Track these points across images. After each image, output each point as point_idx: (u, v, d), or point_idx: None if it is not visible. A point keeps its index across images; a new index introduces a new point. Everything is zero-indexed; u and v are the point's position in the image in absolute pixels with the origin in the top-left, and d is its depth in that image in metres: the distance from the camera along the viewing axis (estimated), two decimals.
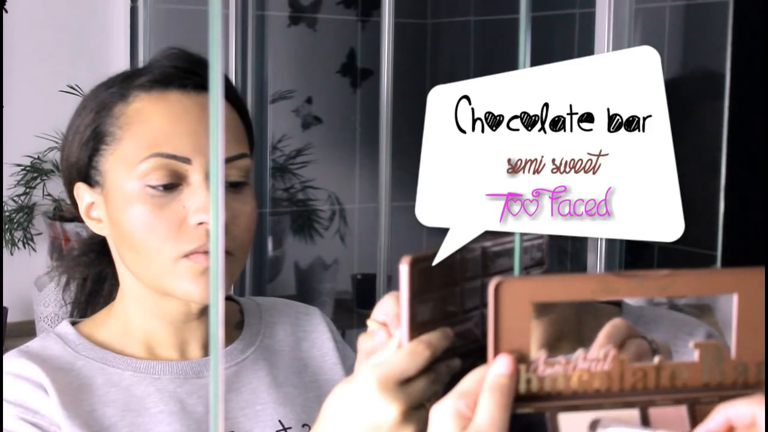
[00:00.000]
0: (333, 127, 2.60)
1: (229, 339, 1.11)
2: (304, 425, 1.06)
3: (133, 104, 1.02)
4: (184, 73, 1.02)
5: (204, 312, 1.06)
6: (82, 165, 1.04)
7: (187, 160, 0.99)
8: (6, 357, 1.04)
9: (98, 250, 1.13)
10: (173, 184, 0.99)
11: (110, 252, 1.08)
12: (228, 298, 1.18)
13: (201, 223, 0.98)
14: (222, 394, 0.40)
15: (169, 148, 0.99)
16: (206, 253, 0.98)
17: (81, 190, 1.05)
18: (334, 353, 1.15)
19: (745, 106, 1.31)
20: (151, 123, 1.00)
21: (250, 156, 1.05)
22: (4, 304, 1.99)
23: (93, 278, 1.13)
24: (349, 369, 1.15)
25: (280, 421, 1.05)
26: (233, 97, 1.08)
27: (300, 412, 1.07)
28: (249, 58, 2.39)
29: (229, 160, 1.02)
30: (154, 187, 0.99)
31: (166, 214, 0.98)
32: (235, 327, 1.13)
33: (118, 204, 1.01)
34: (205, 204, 0.98)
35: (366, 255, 2.56)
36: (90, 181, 1.04)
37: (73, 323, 1.09)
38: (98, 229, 1.05)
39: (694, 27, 1.87)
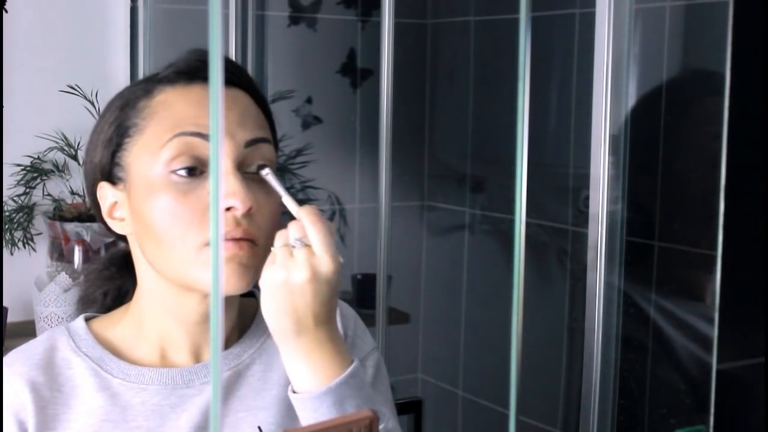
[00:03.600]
0: (333, 127, 2.60)
1: (240, 336, 1.11)
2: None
3: (157, 97, 1.02)
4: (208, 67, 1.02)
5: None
6: (105, 163, 1.04)
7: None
8: (4, 359, 1.04)
9: (119, 264, 1.13)
10: (197, 169, 0.98)
11: (131, 266, 1.08)
12: (251, 295, 1.16)
13: (228, 209, 0.97)
14: (220, 396, 0.40)
15: (192, 127, 0.99)
16: (234, 240, 0.97)
17: (104, 189, 1.05)
18: None
19: (745, 106, 1.31)
20: (175, 109, 1.00)
21: (274, 144, 1.05)
22: (4, 304, 1.99)
23: (113, 293, 1.14)
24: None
25: (259, 427, 1.05)
26: (252, 88, 1.07)
27: (284, 416, 1.06)
28: (249, 58, 2.39)
29: (251, 143, 1.01)
30: (177, 174, 0.98)
31: (190, 201, 0.98)
32: (247, 325, 1.13)
33: (141, 195, 1.00)
34: (233, 189, 0.97)
35: (366, 255, 2.56)
36: (113, 179, 1.04)
37: (88, 318, 1.10)
38: (120, 228, 1.05)
39: (694, 27, 1.87)
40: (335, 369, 0.96)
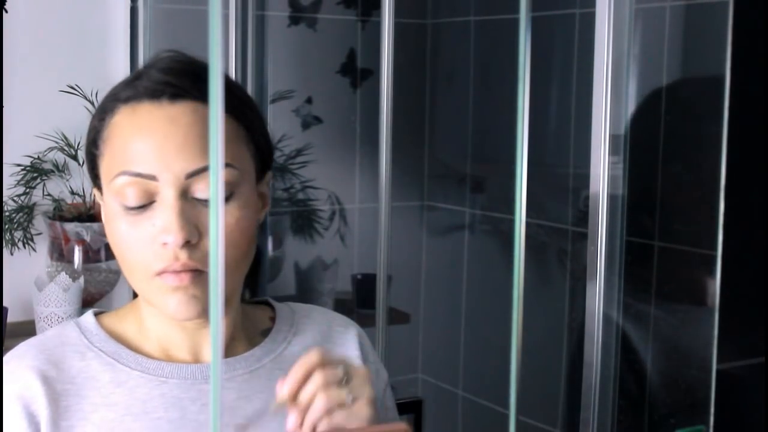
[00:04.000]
0: (333, 127, 2.60)
1: (251, 344, 1.11)
2: None
3: (115, 117, 1.03)
4: (156, 84, 1.01)
5: None
6: (90, 170, 1.07)
7: (152, 178, 0.98)
8: (12, 352, 1.05)
9: None
10: (145, 204, 0.99)
11: None
12: (265, 303, 1.18)
13: (166, 243, 0.98)
14: (220, 397, 0.40)
15: (135, 166, 0.99)
16: (175, 272, 0.98)
17: (97, 195, 1.07)
18: None
19: (745, 106, 1.31)
20: (122, 138, 1.01)
21: (234, 165, 1.01)
22: (4, 304, 1.99)
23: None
24: (376, 390, 1.15)
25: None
26: (228, 101, 1.04)
27: None
28: (249, 58, 2.39)
29: (194, 174, 0.99)
30: (126, 206, 0.99)
31: (139, 232, 0.99)
32: (261, 333, 1.13)
33: (106, 216, 1.03)
34: (169, 223, 0.97)
35: (366, 255, 2.56)
36: (98, 187, 1.06)
37: (97, 314, 1.10)
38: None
39: (694, 27, 1.87)
40: None
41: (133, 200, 0.98)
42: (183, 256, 0.97)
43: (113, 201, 1.00)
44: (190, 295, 0.99)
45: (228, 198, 1.01)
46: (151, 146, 0.98)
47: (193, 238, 0.98)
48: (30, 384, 1.01)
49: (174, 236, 0.97)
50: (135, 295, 1.13)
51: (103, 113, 1.04)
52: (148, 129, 0.99)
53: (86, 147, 1.06)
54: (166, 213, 0.97)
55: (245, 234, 1.02)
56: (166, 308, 1.00)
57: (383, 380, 1.18)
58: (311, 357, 0.95)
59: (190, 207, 0.98)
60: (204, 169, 0.99)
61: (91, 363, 1.04)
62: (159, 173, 0.97)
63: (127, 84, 1.04)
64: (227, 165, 1.01)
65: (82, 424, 1.00)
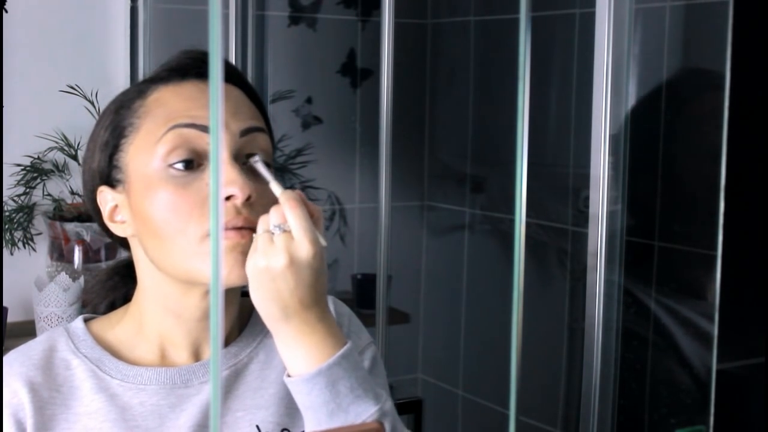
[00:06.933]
0: (333, 127, 2.60)
1: (239, 334, 1.11)
2: (283, 429, 1.06)
3: (151, 96, 1.03)
4: (200, 63, 1.03)
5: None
6: (103, 167, 1.05)
7: (205, 129, 0.98)
8: (6, 359, 1.05)
9: (123, 273, 1.14)
10: (194, 162, 0.98)
11: (133, 274, 1.09)
12: (247, 294, 1.17)
13: (228, 198, 0.97)
14: (220, 397, 0.40)
15: (186, 119, 0.99)
16: (235, 229, 0.97)
17: (104, 193, 1.05)
18: None
19: (745, 106, 1.31)
20: (169, 105, 1.01)
21: (269, 134, 1.05)
22: (4, 304, 1.99)
23: (120, 301, 1.14)
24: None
25: (257, 426, 1.05)
26: (243, 82, 1.07)
27: (283, 415, 1.06)
28: (249, 58, 2.39)
29: (246, 132, 1.01)
30: (174, 168, 0.98)
31: (189, 193, 0.98)
32: (245, 324, 1.13)
33: (140, 192, 1.00)
34: (231, 177, 0.97)
35: (366, 255, 2.57)
36: (112, 182, 1.04)
37: (87, 319, 1.10)
38: (122, 231, 1.05)
39: (694, 27, 1.87)
40: (327, 351, 0.96)
41: (184, 154, 0.98)
42: (245, 211, 0.97)
43: (156, 167, 0.99)
44: (243, 255, 0.97)
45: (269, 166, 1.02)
46: (204, 104, 0.99)
47: (254, 196, 0.98)
48: (16, 391, 1.01)
49: (239, 189, 0.96)
50: (128, 299, 1.12)
51: (125, 104, 1.04)
52: (200, 95, 1.01)
53: (100, 143, 1.04)
54: (226, 168, 0.97)
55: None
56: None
57: (359, 346, 1.13)
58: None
59: (243, 169, 1.00)
60: (256, 129, 1.02)
61: (75, 372, 1.04)
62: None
63: (149, 76, 1.06)
64: (262, 129, 1.04)
65: None
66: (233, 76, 1.07)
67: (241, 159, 1.01)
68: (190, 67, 1.04)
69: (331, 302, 1.15)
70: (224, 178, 0.97)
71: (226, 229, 0.97)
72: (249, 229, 0.98)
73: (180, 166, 0.98)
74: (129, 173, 1.02)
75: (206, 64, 1.01)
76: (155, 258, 1.02)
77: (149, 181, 0.99)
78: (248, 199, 0.97)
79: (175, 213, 0.98)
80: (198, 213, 0.97)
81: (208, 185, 0.97)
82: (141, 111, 1.02)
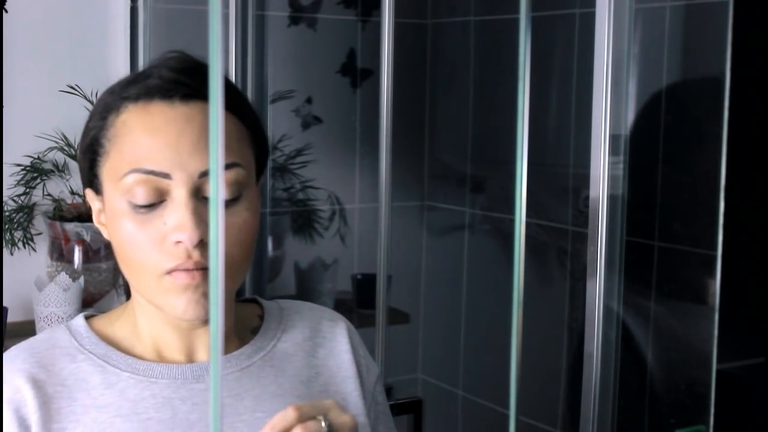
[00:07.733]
0: (333, 127, 2.60)
1: (242, 342, 1.11)
2: None
3: (122, 115, 1.02)
4: (168, 83, 1.00)
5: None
6: (86, 171, 1.05)
7: (166, 176, 0.97)
8: (6, 355, 1.05)
9: None
10: (155, 202, 0.98)
11: None
12: (253, 301, 1.18)
13: (179, 242, 0.97)
14: (220, 397, 0.40)
15: (148, 164, 0.98)
16: (187, 270, 0.98)
17: (90, 196, 1.06)
18: (350, 366, 1.14)
19: (745, 106, 1.31)
20: (132, 136, 1.00)
21: (243, 166, 1.02)
22: (4, 304, 1.99)
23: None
24: (366, 384, 1.15)
25: None
26: (232, 102, 1.04)
27: None
28: (249, 58, 2.39)
29: (206, 173, 0.99)
30: (136, 204, 0.99)
31: (148, 231, 0.98)
32: (251, 331, 1.13)
33: (110, 216, 1.02)
34: (183, 222, 0.97)
35: (366, 255, 2.56)
36: (94, 187, 1.05)
37: (87, 317, 1.10)
38: (106, 234, 1.06)
39: (694, 27, 1.87)
40: None
41: (144, 198, 0.98)
42: (196, 254, 0.97)
43: (120, 200, 0.99)
44: (200, 293, 0.98)
45: (237, 198, 1.01)
46: (165, 144, 0.98)
47: (206, 237, 0.98)
48: (19, 387, 1.01)
49: (188, 235, 0.96)
50: (128, 297, 1.13)
51: (105, 112, 1.03)
52: (162, 127, 0.99)
53: (84, 147, 1.05)
54: (179, 212, 0.97)
55: (250, 234, 1.03)
56: (174, 308, 0.99)
57: (374, 374, 1.18)
58: (288, 415, 0.91)
59: (202, 206, 0.99)
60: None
61: (81, 365, 1.04)
62: (173, 171, 0.97)
63: (131, 82, 1.03)
64: (237, 165, 1.01)
65: (73, 426, 1.00)
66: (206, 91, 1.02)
67: (205, 194, 1.00)
68: (157, 88, 1.01)
69: (346, 331, 1.16)
70: (176, 221, 0.97)
71: (177, 270, 0.98)
72: (200, 269, 0.98)
73: (140, 203, 0.99)
74: (104, 190, 1.03)
75: (174, 82, 1.00)
76: (127, 279, 1.05)
77: (116, 209, 1.01)
78: (200, 242, 0.98)
79: (136, 248, 0.99)
80: (156, 251, 0.98)
81: (165, 224, 0.98)
82: (111, 132, 1.01)
